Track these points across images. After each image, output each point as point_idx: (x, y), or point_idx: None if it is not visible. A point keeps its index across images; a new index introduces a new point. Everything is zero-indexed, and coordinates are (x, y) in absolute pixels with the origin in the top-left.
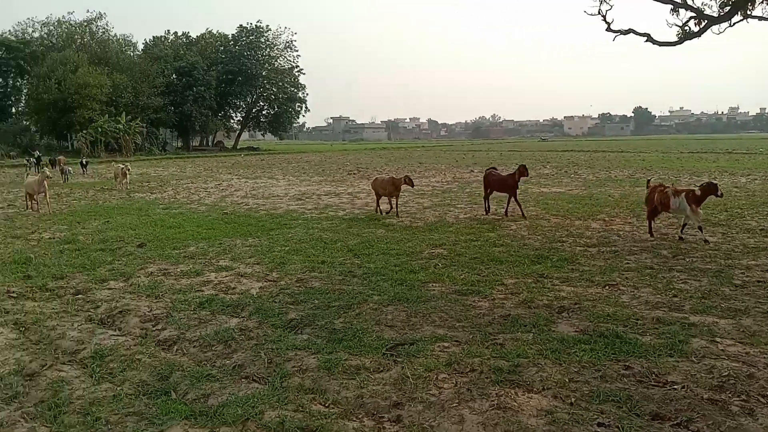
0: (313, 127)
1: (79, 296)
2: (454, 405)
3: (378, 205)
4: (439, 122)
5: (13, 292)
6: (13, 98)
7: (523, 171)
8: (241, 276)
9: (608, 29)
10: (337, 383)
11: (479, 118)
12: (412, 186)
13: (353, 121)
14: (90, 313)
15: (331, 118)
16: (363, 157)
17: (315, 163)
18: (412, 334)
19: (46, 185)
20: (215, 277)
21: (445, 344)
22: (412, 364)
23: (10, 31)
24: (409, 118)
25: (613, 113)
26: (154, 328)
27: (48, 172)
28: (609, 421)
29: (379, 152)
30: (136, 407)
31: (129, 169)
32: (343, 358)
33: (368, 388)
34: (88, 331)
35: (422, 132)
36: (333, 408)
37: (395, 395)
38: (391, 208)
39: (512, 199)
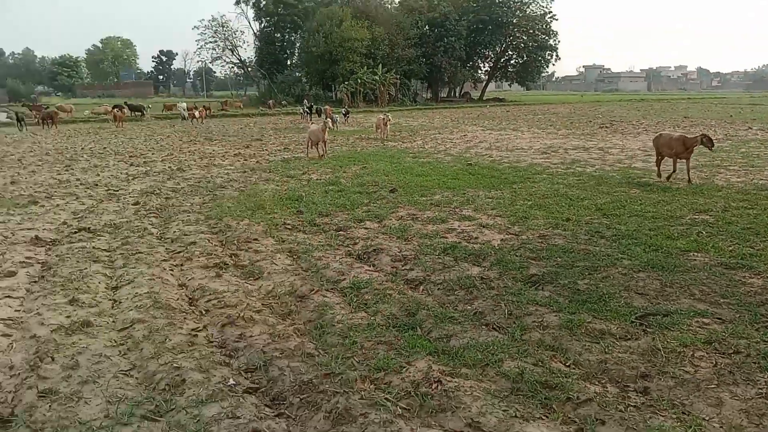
0: (562, 77)
1: (341, 233)
2: (712, 386)
3: (658, 165)
4: (711, 71)
5: (288, 224)
6: (288, 51)
7: None
8: (483, 227)
9: None
10: (579, 344)
11: (763, 66)
12: (711, 147)
13: (608, 69)
14: (349, 249)
15: (584, 66)
16: (617, 109)
17: (563, 115)
18: (666, 305)
19: (326, 134)
20: (458, 226)
21: (705, 320)
22: (665, 337)
23: None
24: (674, 66)
25: None
26: (403, 268)
27: (331, 123)
28: None
29: (635, 104)
30: (386, 337)
31: (390, 119)
32: (587, 320)
33: (613, 354)
34: (347, 264)
35: (689, 82)
36: (574, 368)
37: (643, 366)
38: (674, 171)
39: None
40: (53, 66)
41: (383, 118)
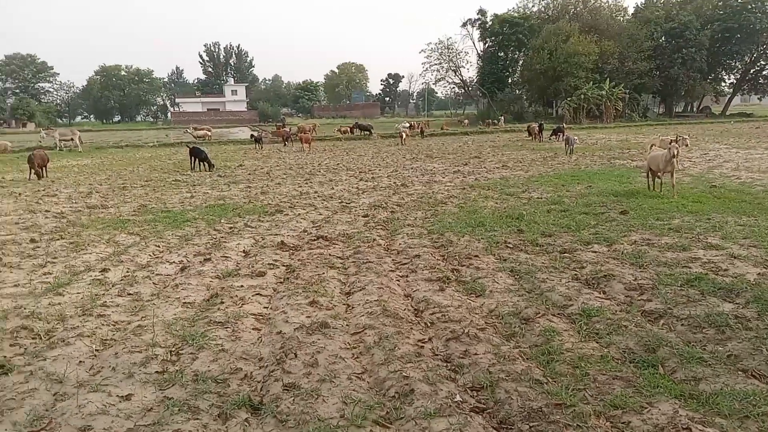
0: None
1: (566, 255)
2: None
3: None
4: None
5: (509, 243)
6: (510, 70)
7: None
8: (734, 257)
9: None
10: None
11: None
12: None
13: None
14: (575, 272)
15: None
16: None
17: None
18: None
19: (675, 162)
20: (704, 255)
21: None
22: None
23: (513, 8)
24: None
25: None
26: (639, 298)
27: (675, 149)
28: None
29: None
30: (623, 373)
31: (687, 142)
32: None
33: None
34: (574, 289)
35: None
36: None
37: None
38: None
39: None
40: (297, 90)
41: (676, 141)
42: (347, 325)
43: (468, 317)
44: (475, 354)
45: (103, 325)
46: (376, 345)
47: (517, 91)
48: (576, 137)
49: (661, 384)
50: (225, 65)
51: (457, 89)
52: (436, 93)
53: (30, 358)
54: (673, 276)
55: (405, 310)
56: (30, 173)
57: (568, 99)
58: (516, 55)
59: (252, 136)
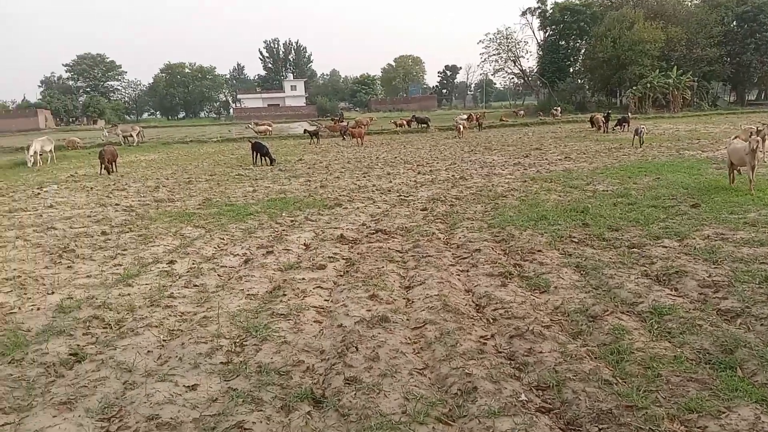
0: None
1: (634, 250)
2: None
3: None
4: None
5: (574, 237)
6: (571, 59)
7: None
8: None
9: None
10: None
11: None
12: None
13: None
14: (645, 268)
15: None
16: None
17: None
18: None
19: (757, 156)
20: None
21: None
22: None
23: None
24: None
25: None
26: (714, 295)
27: (755, 142)
28: None
29: None
30: (698, 375)
31: None
32: None
33: None
34: (644, 285)
35: None
36: None
37: None
38: None
39: None
40: (354, 84)
41: (758, 133)
42: (407, 319)
43: (532, 314)
44: (540, 352)
45: (170, 315)
46: (437, 340)
47: (579, 81)
48: (644, 126)
49: (740, 387)
50: (284, 61)
51: (516, 80)
52: (495, 84)
53: (101, 347)
54: (750, 273)
55: (466, 305)
56: (101, 168)
57: (633, 88)
58: (578, 44)
59: (305, 130)
